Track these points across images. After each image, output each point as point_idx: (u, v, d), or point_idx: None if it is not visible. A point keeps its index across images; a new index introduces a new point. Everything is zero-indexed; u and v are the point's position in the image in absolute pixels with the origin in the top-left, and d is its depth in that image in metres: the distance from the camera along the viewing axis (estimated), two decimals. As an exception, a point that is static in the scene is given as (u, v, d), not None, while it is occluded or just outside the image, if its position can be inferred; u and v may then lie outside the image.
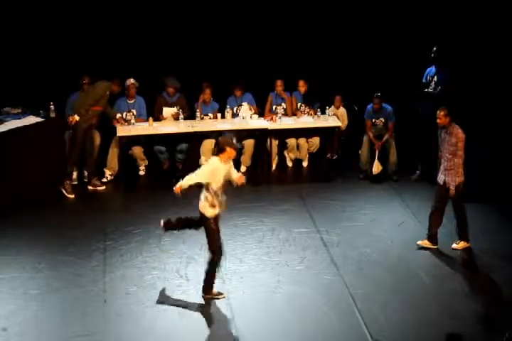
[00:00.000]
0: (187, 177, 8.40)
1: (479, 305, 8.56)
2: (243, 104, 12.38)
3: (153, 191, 11.74)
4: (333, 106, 12.59)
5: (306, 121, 12.30)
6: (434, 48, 11.62)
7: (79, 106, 11.25)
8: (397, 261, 9.54)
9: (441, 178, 9.66)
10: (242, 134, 12.25)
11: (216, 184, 8.36)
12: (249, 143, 12.23)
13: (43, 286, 8.99)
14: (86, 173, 11.71)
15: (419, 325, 8.23)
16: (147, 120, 11.98)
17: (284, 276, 9.18)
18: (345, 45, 13.03)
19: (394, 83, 12.55)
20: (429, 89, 11.62)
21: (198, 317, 8.41)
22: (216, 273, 8.62)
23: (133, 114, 12.08)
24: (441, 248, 9.82)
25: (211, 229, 8.51)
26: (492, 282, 9.07)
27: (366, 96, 12.22)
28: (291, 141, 12.41)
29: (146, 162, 12.23)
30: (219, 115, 12.29)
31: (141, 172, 12.25)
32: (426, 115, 11.46)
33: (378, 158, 11.94)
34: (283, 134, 12.39)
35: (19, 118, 11.09)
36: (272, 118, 12.22)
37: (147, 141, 12.14)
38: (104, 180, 11.86)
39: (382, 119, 12.10)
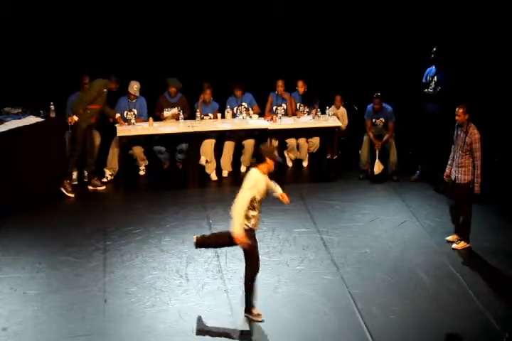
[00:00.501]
0: (237, 211, 7.85)
1: (479, 305, 8.56)
2: (245, 103, 12.36)
3: (154, 191, 11.75)
4: (333, 106, 12.59)
5: (306, 121, 12.28)
6: (434, 48, 11.61)
7: (77, 106, 11.25)
8: (397, 261, 9.54)
9: (453, 174, 9.73)
10: (242, 134, 12.25)
11: (259, 196, 8.00)
12: (249, 143, 12.23)
13: (43, 286, 8.99)
14: (86, 173, 11.70)
15: (419, 325, 8.24)
16: (147, 120, 11.98)
17: (284, 276, 9.18)
18: (346, 45, 13.03)
19: (394, 83, 12.55)
20: (429, 90, 11.62)
21: (198, 317, 8.41)
22: (255, 289, 8.29)
23: (134, 114, 12.08)
24: (441, 247, 9.82)
25: (250, 243, 8.03)
26: (492, 282, 9.06)
27: (366, 96, 12.21)
28: (291, 141, 12.41)
29: (147, 162, 12.23)
30: (219, 115, 12.29)
31: (142, 172, 12.25)
32: (433, 115, 11.49)
33: (379, 158, 11.94)
34: (283, 134, 12.39)
35: (19, 118, 11.08)
36: (272, 118, 12.22)
37: (147, 141, 12.13)
38: (105, 180, 11.86)
39: (383, 119, 12.10)
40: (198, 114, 12.16)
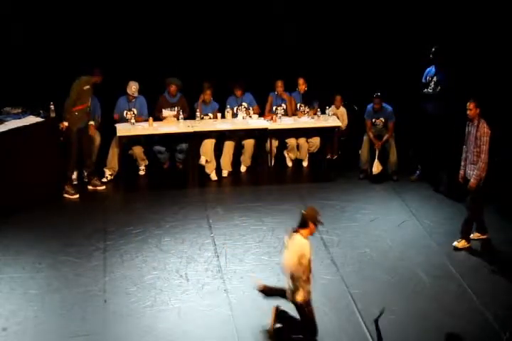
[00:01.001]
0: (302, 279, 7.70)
1: (479, 305, 8.56)
2: (245, 103, 12.36)
3: (154, 191, 11.76)
4: (333, 106, 12.58)
5: (306, 121, 12.30)
6: (434, 49, 11.61)
7: (64, 113, 11.20)
8: (397, 261, 9.54)
9: (467, 172, 9.74)
10: (242, 134, 12.25)
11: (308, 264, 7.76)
12: (249, 143, 12.23)
13: (43, 286, 8.99)
14: (85, 173, 11.69)
15: (419, 325, 8.24)
16: (147, 119, 11.98)
17: (284, 276, 9.16)
18: (345, 45, 13.03)
19: (394, 83, 12.55)
20: (429, 90, 11.61)
21: (197, 317, 8.42)
22: None
23: (133, 113, 12.08)
24: (441, 247, 9.83)
25: (307, 312, 7.84)
26: (492, 282, 9.06)
27: (366, 96, 12.21)
28: (291, 141, 12.41)
29: (147, 162, 12.23)
30: (219, 115, 12.29)
31: (141, 172, 12.25)
32: (432, 115, 11.49)
33: (378, 158, 11.94)
34: (283, 134, 12.39)
35: (19, 118, 11.08)
36: (272, 118, 12.22)
37: (147, 141, 12.14)
38: (104, 179, 11.86)
39: (382, 119, 12.10)
40: (197, 113, 12.16)
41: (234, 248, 9.86)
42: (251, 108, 12.38)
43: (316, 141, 12.53)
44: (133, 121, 11.91)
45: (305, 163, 12.65)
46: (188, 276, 9.21)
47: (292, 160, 12.63)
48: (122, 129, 11.80)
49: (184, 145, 12.10)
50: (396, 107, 12.15)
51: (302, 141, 12.46)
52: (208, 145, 12.02)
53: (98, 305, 8.62)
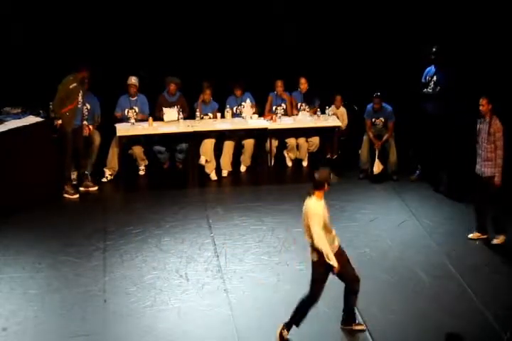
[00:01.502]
0: (319, 238, 7.65)
1: (479, 305, 8.56)
2: (245, 103, 12.35)
3: (153, 191, 11.77)
4: (333, 106, 12.58)
5: (304, 118, 12.27)
6: (434, 48, 11.61)
7: (53, 113, 11.19)
8: (396, 261, 9.54)
9: (478, 169, 9.74)
10: (242, 134, 12.25)
11: (325, 221, 7.82)
12: (249, 143, 12.23)
13: (43, 286, 9.00)
14: (77, 174, 11.61)
15: (419, 324, 8.23)
16: (149, 117, 12.00)
17: (284, 276, 9.19)
18: (345, 45, 13.02)
19: (394, 83, 12.54)
20: (428, 89, 11.61)
21: (197, 316, 8.42)
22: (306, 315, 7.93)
23: (135, 111, 12.09)
24: (441, 247, 9.83)
25: (316, 272, 7.84)
26: (492, 282, 9.06)
27: (366, 96, 12.21)
28: (291, 141, 12.41)
29: (146, 162, 12.23)
30: (219, 115, 12.29)
31: (141, 172, 12.25)
32: (432, 115, 11.49)
33: (378, 158, 11.94)
34: (283, 134, 12.39)
35: (19, 118, 11.10)
36: (271, 118, 12.22)
37: (147, 141, 12.14)
38: (104, 179, 11.86)
39: (382, 119, 12.10)
40: (197, 113, 12.16)
41: (234, 248, 9.87)
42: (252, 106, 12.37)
43: (315, 140, 12.53)
44: (133, 120, 11.91)
45: (305, 163, 12.65)
46: (188, 276, 9.21)
47: (292, 160, 12.64)
48: (122, 129, 11.81)
49: (184, 145, 12.11)
50: (396, 107, 12.15)
51: (302, 140, 12.46)
52: (207, 145, 12.02)
53: (98, 305, 8.63)
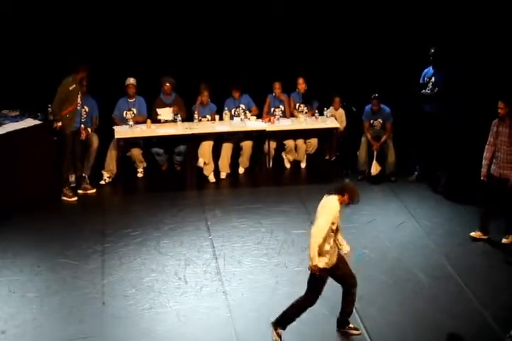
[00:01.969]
0: (319, 231, 7.54)
1: (477, 306, 8.56)
2: (243, 105, 12.36)
3: (152, 193, 11.76)
4: (331, 108, 12.59)
5: (301, 118, 12.28)
6: (432, 50, 11.62)
7: (53, 115, 11.19)
8: (395, 262, 9.54)
9: (495, 170, 9.72)
10: (240, 136, 12.25)
11: (334, 226, 7.74)
12: (247, 145, 12.23)
13: (42, 289, 8.99)
14: (74, 177, 11.58)
15: (418, 325, 8.23)
16: (147, 118, 12.03)
17: (283, 277, 9.18)
18: (344, 47, 13.01)
19: (392, 84, 12.54)
20: (427, 90, 11.62)
21: (196, 319, 8.42)
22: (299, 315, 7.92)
23: (133, 113, 12.09)
24: (439, 248, 9.83)
25: (317, 279, 7.75)
26: (490, 282, 9.06)
27: (364, 98, 12.22)
28: (289, 143, 12.41)
29: (145, 164, 12.23)
30: (217, 117, 12.29)
31: (140, 175, 12.24)
32: (430, 116, 11.49)
33: (376, 159, 11.94)
34: (281, 136, 12.39)
35: (17, 121, 11.06)
36: (269, 120, 12.22)
37: (146, 143, 12.14)
38: (102, 182, 11.86)
39: (380, 120, 12.10)
40: (195, 115, 12.16)
41: (232, 250, 9.86)
42: (248, 110, 12.38)
43: (314, 142, 12.53)
44: (131, 123, 11.90)
45: (303, 165, 12.65)
46: (187, 278, 9.21)
47: (290, 162, 12.63)
48: (120, 131, 11.81)
49: (182, 148, 12.11)
50: (394, 108, 12.15)
51: (300, 142, 12.47)
52: (205, 147, 12.02)
53: (96, 307, 8.62)
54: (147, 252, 9.82)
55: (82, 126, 11.56)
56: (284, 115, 12.51)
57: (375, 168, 11.91)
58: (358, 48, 13.01)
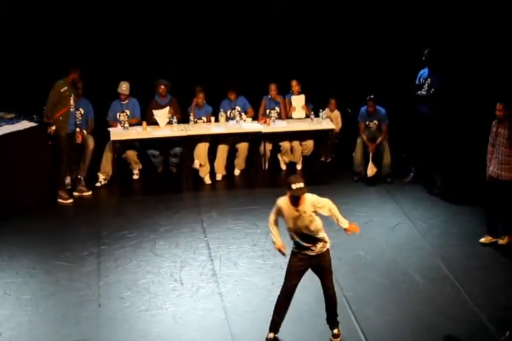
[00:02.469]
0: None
1: (473, 307, 8.56)
2: (239, 107, 12.36)
3: (147, 195, 11.75)
4: (327, 109, 12.60)
5: (297, 115, 12.33)
6: (427, 51, 11.62)
7: (46, 118, 11.17)
8: (391, 263, 9.54)
9: (494, 172, 9.69)
10: (236, 138, 12.25)
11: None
12: (242, 147, 12.23)
13: (37, 291, 8.98)
14: (70, 179, 11.57)
15: (414, 327, 8.23)
16: (140, 120, 12.01)
17: (279, 279, 9.08)
18: (339, 48, 13.03)
19: (387, 85, 12.55)
20: (422, 92, 11.62)
21: (192, 320, 8.41)
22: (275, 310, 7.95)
23: (126, 115, 12.09)
24: (435, 249, 9.83)
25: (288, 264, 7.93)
26: (486, 284, 9.06)
27: (359, 99, 12.22)
28: (285, 145, 12.41)
29: (140, 166, 12.22)
30: (212, 118, 12.29)
31: (135, 177, 12.24)
32: (426, 117, 11.50)
33: (372, 161, 11.95)
34: (277, 137, 12.39)
35: (13, 123, 11.07)
36: (265, 122, 12.22)
37: (141, 145, 12.14)
38: (98, 184, 11.85)
39: (376, 122, 12.11)
40: (191, 117, 12.16)
41: (228, 252, 9.86)
42: (244, 112, 12.38)
43: (309, 144, 12.53)
44: (127, 125, 11.90)
45: (299, 166, 12.65)
46: (183, 280, 9.20)
47: (286, 164, 12.63)
48: (116, 133, 11.80)
49: (178, 149, 12.11)
50: (390, 110, 12.16)
51: (296, 144, 12.47)
52: (201, 149, 12.02)
53: (92, 309, 8.61)
54: (143, 254, 9.81)
55: (78, 129, 11.55)
56: (279, 117, 12.51)
57: (370, 170, 11.92)
58: (354, 50, 13.02)
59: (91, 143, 11.84)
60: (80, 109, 11.82)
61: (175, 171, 12.33)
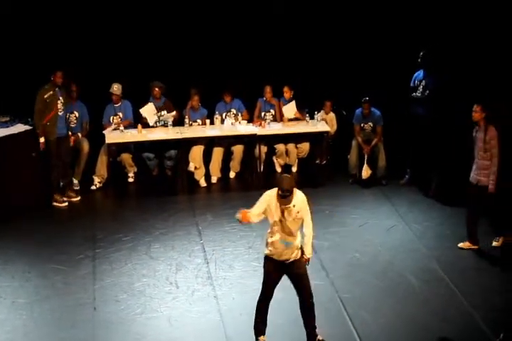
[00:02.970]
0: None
1: (468, 308, 8.57)
2: (234, 109, 12.35)
3: (143, 198, 11.74)
4: (322, 111, 12.61)
5: (290, 110, 12.34)
6: (422, 53, 11.64)
7: (36, 126, 11.12)
8: (386, 266, 9.55)
9: (473, 177, 9.67)
10: (231, 140, 12.26)
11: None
12: (238, 149, 12.23)
13: (32, 295, 8.97)
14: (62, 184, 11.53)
15: (409, 328, 8.25)
16: (134, 123, 12.02)
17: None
18: (335, 50, 13.04)
19: (383, 87, 12.56)
20: (417, 93, 11.64)
21: (187, 323, 8.41)
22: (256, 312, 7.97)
23: (119, 117, 12.09)
24: (430, 252, 9.84)
25: (264, 268, 7.90)
26: (481, 285, 9.07)
27: (354, 101, 12.23)
28: (280, 147, 12.41)
29: (135, 169, 12.22)
30: (208, 121, 12.29)
31: (130, 180, 12.22)
32: (421, 119, 11.51)
33: (367, 163, 11.96)
34: (272, 140, 12.40)
35: (7, 127, 11.07)
36: (260, 124, 12.22)
37: (136, 148, 12.13)
38: (93, 187, 11.84)
39: (371, 124, 12.12)
40: (186, 120, 12.16)
41: (223, 254, 9.86)
42: (239, 114, 12.39)
43: (305, 146, 12.53)
44: (122, 128, 11.90)
45: (294, 169, 12.66)
46: (178, 283, 9.20)
47: (281, 166, 12.63)
48: (111, 136, 11.79)
49: (173, 152, 12.11)
50: (385, 112, 12.16)
51: (291, 146, 12.47)
52: (196, 152, 12.02)
53: (88, 313, 8.61)
54: (138, 257, 9.81)
55: (70, 133, 11.54)
56: (274, 119, 12.52)
57: (366, 172, 11.92)
58: (349, 52, 13.03)
59: (86, 146, 11.83)
60: (75, 112, 11.82)
61: (170, 174, 12.32)
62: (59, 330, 8.32)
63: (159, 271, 9.45)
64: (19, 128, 11.10)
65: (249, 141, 12.23)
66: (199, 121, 12.35)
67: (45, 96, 11.02)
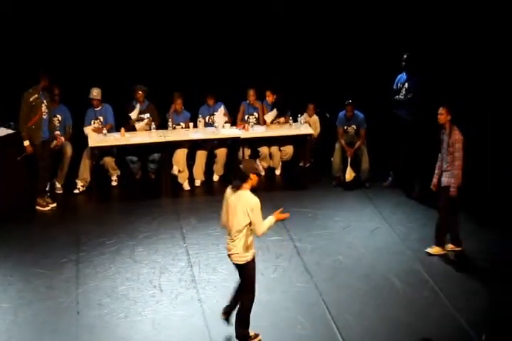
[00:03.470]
0: (265, 228, 7.75)
1: (452, 310, 8.60)
2: (219, 109, 12.32)
3: (126, 201, 11.72)
4: (305, 114, 12.63)
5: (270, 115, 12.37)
6: (405, 55, 11.68)
7: (21, 130, 11.07)
8: (370, 268, 9.57)
9: (441, 180, 9.70)
10: (215, 143, 12.25)
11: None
12: (221, 152, 12.23)
13: (15, 299, 8.93)
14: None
15: (393, 331, 8.27)
16: (115, 127, 11.99)
17: (258, 285, 9.06)
18: (317, 53, 13.07)
19: (365, 90, 12.60)
20: (400, 96, 11.67)
21: (172, 327, 8.40)
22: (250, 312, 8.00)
23: (100, 121, 12.06)
24: (414, 254, 9.87)
25: (251, 272, 7.90)
26: (464, 288, 9.11)
27: (338, 104, 12.26)
28: (264, 150, 12.42)
29: (118, 172, 12.18)
30: (191, 124, 12.28)
31: (114, 183, 12.18)
32: (404, 122, 11.54)
33: (351, 165, 11.98)
34: (255, 143, 12.40)
35: (-10, 132, 11.04)
36: (244, 127, 12.22)
37: (119, 151, 12.10)
38: (76, 191, 11.80)
39: (354, 126, 12.14)
40: (169, 123, 12.14)
41: (207, 257, 9.85)
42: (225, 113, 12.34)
43: (289, 150, 12.55)
44: (105, 131, 11.87)
45: (278, 171, 12.67)
46: (162, 287, 9.18)
47: (265, 169, 12.63)
48: (94, 140, 11.76)
49: (156, 155, 12.09)
50: (368, 114, 12.19)
51: (275, 149, 12.48)
52: (180, 155, 12.00)
53: (71, 317, 8.58)
54: (122, 261, 9.78)
55: (58, 132, 11.51)
56: (258, 122, 12.52)
57: (349, 174, 11.93)
58: (332, 55, 13.06)
59: (69, 149, 11.79)
60: (58, 116, 11.79)
61: (153, 177, 12.30)
62: (42, 335, 8.28)
63: (143, 275, 9.43)
64: (2, 132, 11.05)
65: (233, 144, 12.23)
66: (182, 124, 12.34)
67: (31, 100, 10.97)
